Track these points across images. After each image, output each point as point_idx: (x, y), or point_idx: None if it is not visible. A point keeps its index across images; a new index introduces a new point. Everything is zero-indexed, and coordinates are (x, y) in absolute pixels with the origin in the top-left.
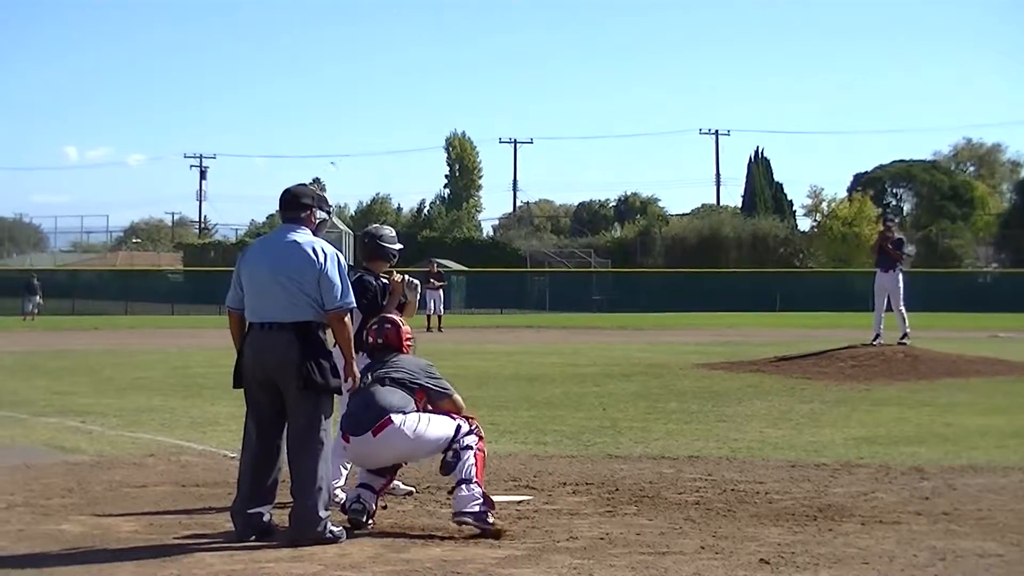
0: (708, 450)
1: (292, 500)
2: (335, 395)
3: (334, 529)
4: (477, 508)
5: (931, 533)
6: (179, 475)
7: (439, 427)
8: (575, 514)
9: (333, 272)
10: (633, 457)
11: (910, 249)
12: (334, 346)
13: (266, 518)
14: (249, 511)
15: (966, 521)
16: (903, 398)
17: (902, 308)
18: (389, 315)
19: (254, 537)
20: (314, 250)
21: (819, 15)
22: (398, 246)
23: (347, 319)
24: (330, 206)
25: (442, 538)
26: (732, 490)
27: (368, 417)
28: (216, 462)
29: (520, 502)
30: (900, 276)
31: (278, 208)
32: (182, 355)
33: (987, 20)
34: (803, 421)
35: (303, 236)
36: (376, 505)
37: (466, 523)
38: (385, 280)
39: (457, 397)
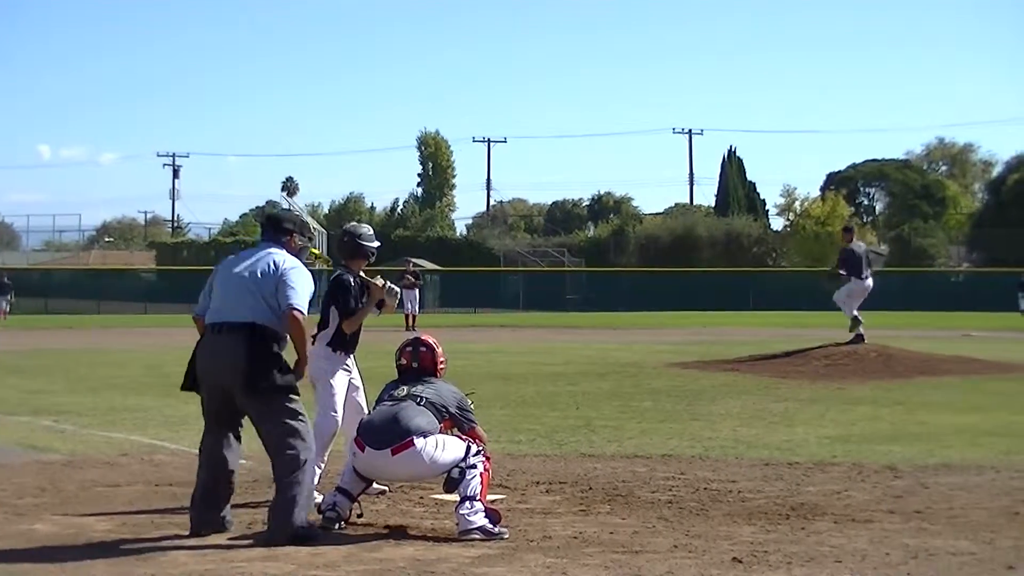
0: (681, 449)
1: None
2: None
3: (308, 531)
4: (483, 522)
5: (904, 531)
6: (152, 474)
7: (452, 450)
8: (549, 513)
9: (293, 279)
10: (607, 456)
11: (864, 266)
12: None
13: (221, 514)
14: (204, 509)
15: (939, 519)
16: (876, 397)
17: (855, 311)
18: (424, 338)
19: (205, 533)
20: (283, 260)
21: (792, 16)
22: (376, 244)
23: (300, 319)
24: (312, 233)
25: (415, 537)
26: (705, 489)
27: (392, 434)
28: (189, 461)
29: (494, 501)
30: (853, 284)
31: (260, 229)
32: (155, 354)
33: (960, 21)
34: (776, 420)
35: (278, 251)
36: (351, 512)
37: (474, 538)
38: (362, 278)
39: (480, 430)
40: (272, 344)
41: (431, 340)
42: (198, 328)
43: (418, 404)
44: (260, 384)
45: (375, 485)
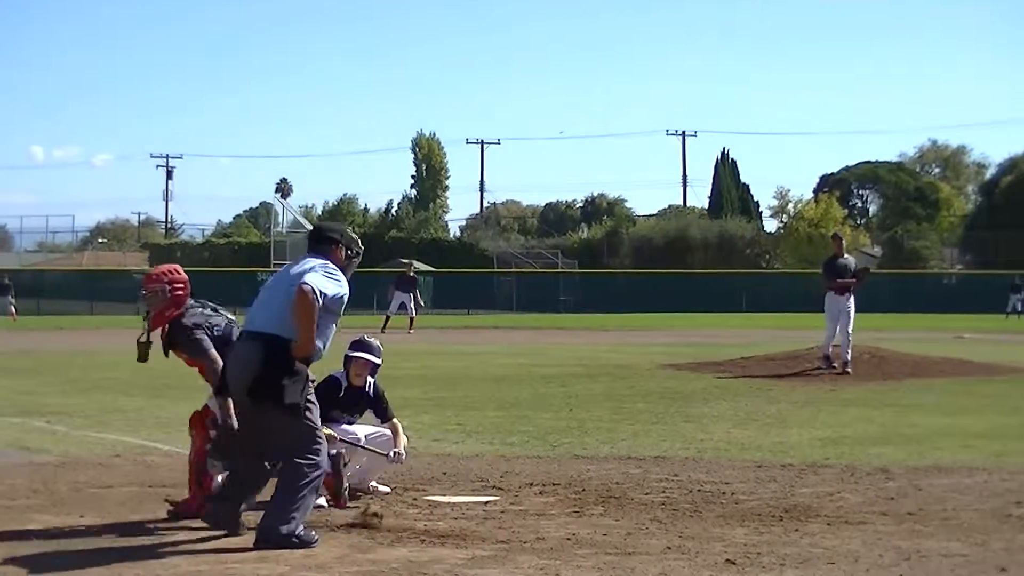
0: (674, 451)
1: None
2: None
3: (303, 534)
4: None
5: (896, 533)
6: (145, 476)
7: None
8: (542, 515)
9: (319, 268)
10: (600, 458)
11: (858, 272)
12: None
13: (241, 513)
14: (223, 505)
15: (931, 521)
16: (869, 399)
17: (850, 334)
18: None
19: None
20: (320, 264)
21: (786, 17)
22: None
23: (308, 295)
24: (360, 248)
25: (409, 539)
26: (698, 491)
27: None
28: (182, 463)
29: (487, 503)
30: (852, 300)
31: (307, 243)
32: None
33: (953, 22)
34: (769, 422)
35: (316, 259)
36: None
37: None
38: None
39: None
40: (290, 360)
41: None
42: None
43: None
44: (263, 394)
45: (379, 487)
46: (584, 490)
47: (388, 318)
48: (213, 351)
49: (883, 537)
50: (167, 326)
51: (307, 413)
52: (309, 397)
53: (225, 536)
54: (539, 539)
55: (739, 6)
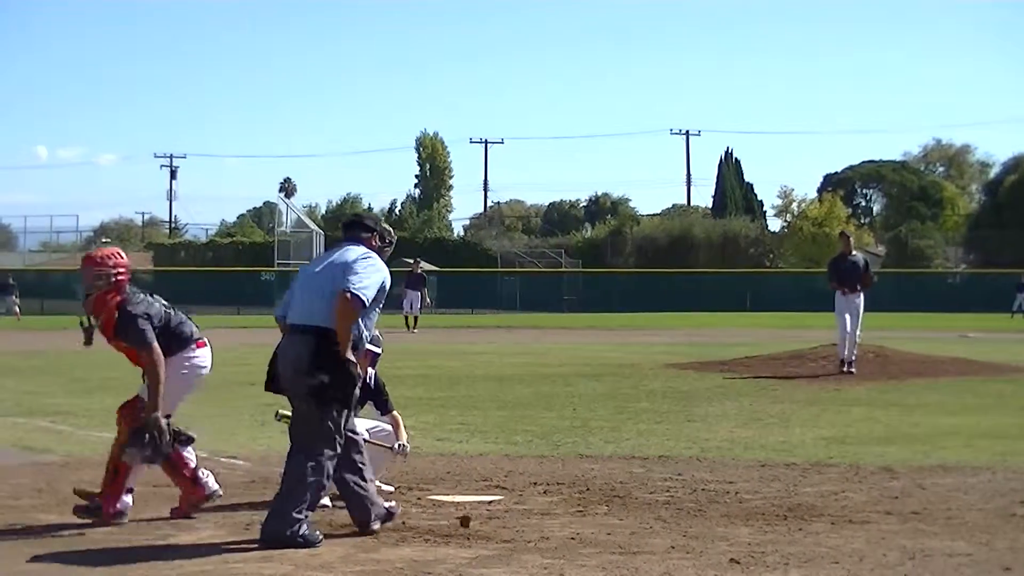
0: (678, 450)
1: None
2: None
3: (307, 534)
4: None
5: (901, 532)
6: (149, 475)
7: None
8: (546, 514)
9: (361, 267)
10: (604, 457)
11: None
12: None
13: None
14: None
15: (935, 521)
16: (873, 398)
17: (858, 335)
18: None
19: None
20: (358, 252)
21: (789, 18)
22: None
23: (349, 302)
24: (393, 238)
25: (413, 538)
26: (702, 490)
27: None
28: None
29: (491, 502)
30: (861, 298)
31: (342, 230)
32: None
33: (956, 22)
34: (773, 421)
35: (355, 247)
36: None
37: None
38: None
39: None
40: (336, 353)
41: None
42: (281, 330)
43: None
44: (314, 386)
45: (383, 485)
46: (588, 489)
47: (407, 318)
48: (156, 344)
49: (887, 536)
50: (113, 314)
51: (334, 414)
52: (346, 399)
53: (228, 536)
54: (543, 538)
55: (743, 7)
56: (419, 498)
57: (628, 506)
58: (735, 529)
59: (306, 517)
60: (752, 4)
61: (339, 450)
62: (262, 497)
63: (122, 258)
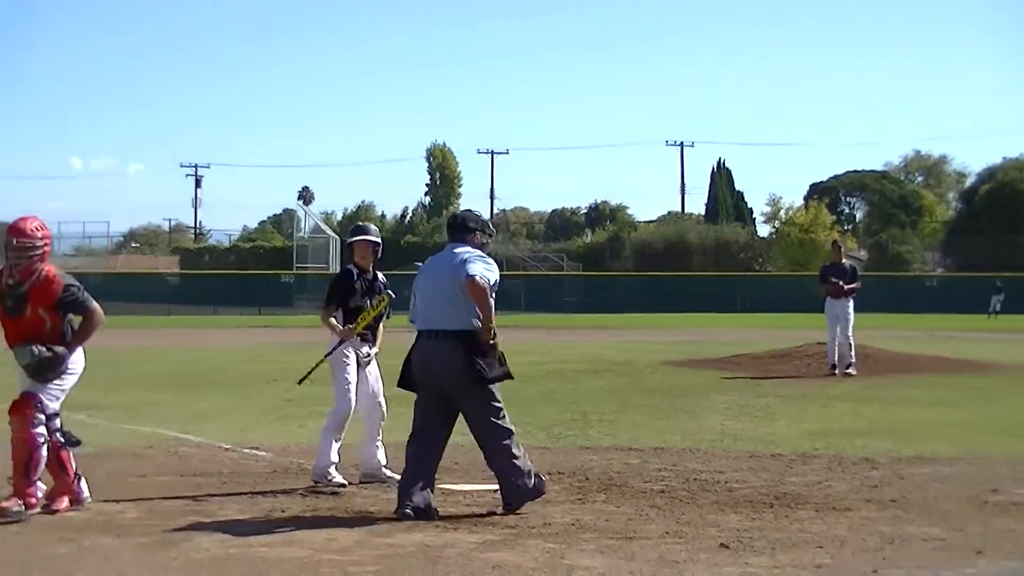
0: (672, 442)
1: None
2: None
3: (533, 481)
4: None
5: (880, 519)
6: (177, 465)
7: None
8: (548, 502)
9: (473, 259)
10: (602, 448)
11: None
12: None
13: (424, 501)
14: (410, 493)
15: (913, 508)
16: (855, 394)
17: (851, 337)
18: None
19: (412, 515)
20: (465, 252)
21: (779, 35)
22: (360, 236)
23: (479, 283)
24: (493, 230)
25: (424, 524)
26: (694, 479)
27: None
28: (212, 453)
29: (496, 491)
30: (851, 304)
31: (447, 230)
32: (179, 353)
33: (937, 39)
34: (761, 415)
35: (461, 247)
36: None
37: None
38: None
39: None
40: (481, 345)
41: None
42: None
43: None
44: (473, 381)
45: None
46: (587, 479)
47: None
48: (95, 304)
49: (868, 523)
50: (50, 284)
51: (495, 392)
52: (500, 377)
53: (251, 521)
54: (546, 524)
55: (734, 24)
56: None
57: (625, 494)
58: (725, 516)
59: (529, 473)
60: (742, 23)
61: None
62: (283, 485)
63: (47, 229)
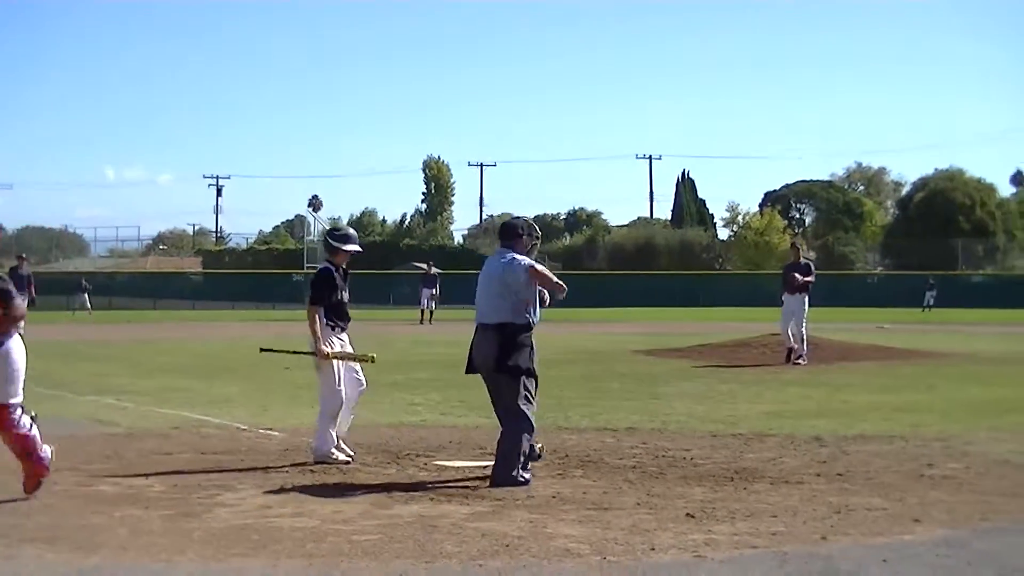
0: (643, 423)
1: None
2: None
3: (525, 475)
4: None
5: (828, 491)
6: (200, 444)
7: None
8: (532, 477)
9: (517, 261)
10: (580, 429)
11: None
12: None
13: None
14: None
15: (857, 481)
16: (806, 379)
17: (804, 329)
18: None
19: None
20: (509, 258)
21: (737, 61)
22: (348, 246)
23: (537, 270)
24: (539, 232)
25: (420, 497)
26: (663, 456)
27: None
28: (231, 433)
29: (485, 467)
30: (806, 299)
31: (498, 236)
32: (202, 344)
33: (877, 61)
34: (722, 398)
35: (509, 253)
36: None
37: None
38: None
39: None
40: (516, 336)
41: None
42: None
43: None
44: (504, 367)
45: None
46: (567, 456)
47: (422, 311)
48: (19, 299)
49: (817, 494)
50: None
51: (525, 381)
52: (531, 366)
53: (266, 494)
54: (530, 497)
55: (698, 51)
56: (425, 463)
57: (601, 470)
58: (690, 489)
59: (522, 463)
60: (705, 50)
61: (534, 406)
62: (294, 461)
63: None
